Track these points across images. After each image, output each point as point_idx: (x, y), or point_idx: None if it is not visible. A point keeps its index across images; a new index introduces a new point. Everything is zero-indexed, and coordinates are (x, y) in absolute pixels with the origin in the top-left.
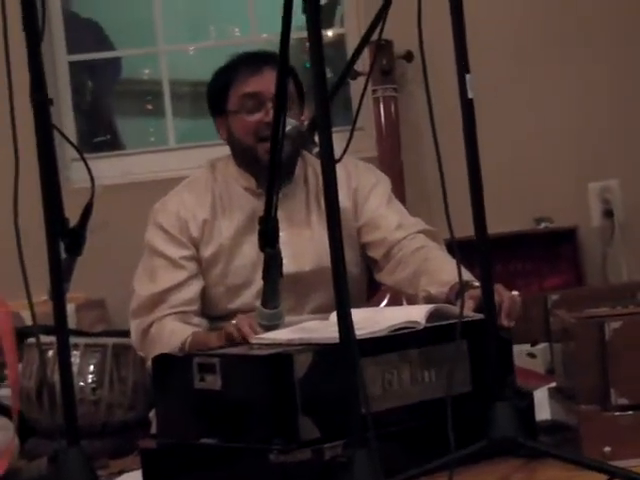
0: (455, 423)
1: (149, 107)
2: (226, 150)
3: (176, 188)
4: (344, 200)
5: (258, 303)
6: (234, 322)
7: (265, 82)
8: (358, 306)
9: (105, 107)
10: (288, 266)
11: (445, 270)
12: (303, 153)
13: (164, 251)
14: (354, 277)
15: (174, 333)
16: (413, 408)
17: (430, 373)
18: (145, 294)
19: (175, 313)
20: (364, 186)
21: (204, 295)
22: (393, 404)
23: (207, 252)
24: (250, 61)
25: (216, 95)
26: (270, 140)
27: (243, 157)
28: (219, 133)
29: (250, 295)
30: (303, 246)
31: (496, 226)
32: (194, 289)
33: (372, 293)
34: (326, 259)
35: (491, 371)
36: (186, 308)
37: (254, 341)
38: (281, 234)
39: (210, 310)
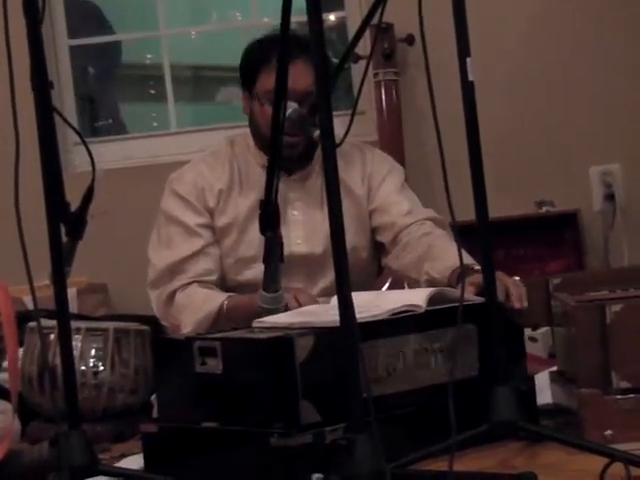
0: (461, 407)
1: (151, 91)
2: (228, 134)
3: (193, 160)
4: (359, 185)
5: None
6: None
7: (295, 77)
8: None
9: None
10: (301, 246)
11: (449, 256)
12: None
13: (180, 217)
14: (364, 261)
15: (207, 299)
16: (415, 392)
17: (432, 357)
18: (162, 264)
19: (197, 282)
20: (378, 172)
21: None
22: (394, 388)
23: (221, 222)
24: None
25: (245, 74)
26: (271, 124)
27: (260, 140)
28: (243, 105)
29: (260, 269)
30: (316, 228)
31: (497, 210)
32: (212, 258)
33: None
34: None
35: (495, 355)
36: (205, 278)
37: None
38: (295, 213)
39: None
